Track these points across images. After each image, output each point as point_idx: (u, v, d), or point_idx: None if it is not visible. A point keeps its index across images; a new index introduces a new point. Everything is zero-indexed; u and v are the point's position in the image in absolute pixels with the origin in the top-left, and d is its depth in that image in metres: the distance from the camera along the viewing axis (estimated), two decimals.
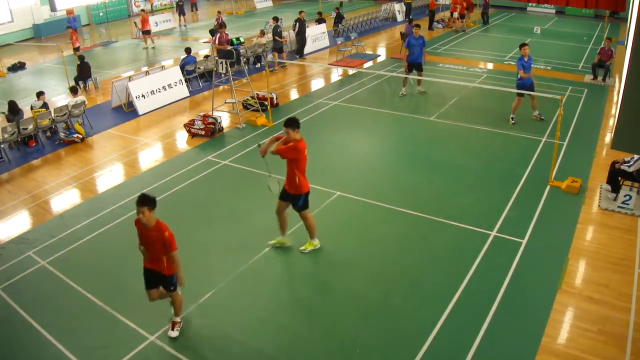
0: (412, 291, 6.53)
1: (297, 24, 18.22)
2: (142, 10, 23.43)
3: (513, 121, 11.78)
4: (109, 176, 10.09)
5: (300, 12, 18.38)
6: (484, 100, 13.56)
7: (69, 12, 26.60)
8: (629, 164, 8.28)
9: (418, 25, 13.86)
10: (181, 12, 28.03)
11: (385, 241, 7.58)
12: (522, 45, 11.39)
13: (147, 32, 21.96)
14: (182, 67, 15.46)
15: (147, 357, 5.60)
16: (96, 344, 5.79)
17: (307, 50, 19.18)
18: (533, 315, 6.00)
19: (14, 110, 11.70)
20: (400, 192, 8.90)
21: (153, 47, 22.17)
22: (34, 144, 11.77)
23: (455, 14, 23.77)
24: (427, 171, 9.76)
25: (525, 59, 11.18)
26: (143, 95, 13.85)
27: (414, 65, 13.63)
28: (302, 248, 7.29)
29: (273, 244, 7.38)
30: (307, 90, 15.27)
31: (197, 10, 32.93)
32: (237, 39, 17.02)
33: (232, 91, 12.65)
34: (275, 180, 7.00)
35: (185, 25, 27.84)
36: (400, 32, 19.21)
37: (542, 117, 11.87)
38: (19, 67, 19.96)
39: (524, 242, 7.33)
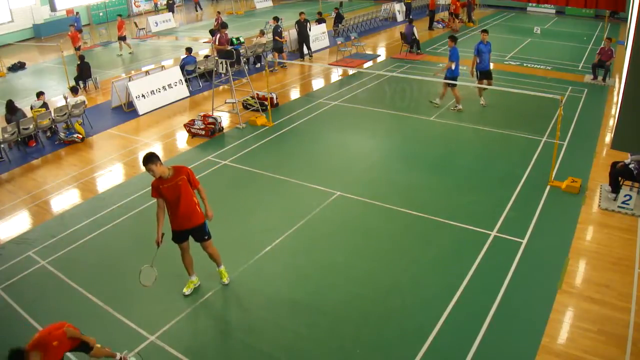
0: (412, 291, 6.53)
1: (297, 25, 18.26)
2: (119, 15, 22.68)
3: (433, 102, 12.78)
4: (109, 176, 10.09)
5: (300, 14, 18.35)
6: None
7: (69, 11, 26.68)
8: (627, 163, 8.28)
9: (486, 31, 12.69)
10: (171, 10, 28.09)
11: (385, 241, 7.58)
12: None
13: (122, 38, 21.16)
14: (182, 67, 15.46)
15: (147, 357, 5.60)
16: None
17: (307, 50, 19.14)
18: (533, 315, 6.00)
19: (11, 110, 11.69)
20: (400, 191, 8.90)
21: (130, 53, 21.37)
22: (34, 144, 11.78)
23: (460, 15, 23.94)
24: (427, 171, 9.76)
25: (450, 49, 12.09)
26: (143, 95, 13.85)
27: (484, 73, 12.49)
28: (224, 281, 6.63)
29: (190, 291, 6.53)
30: (307, 90, 15.27)
31: (201, 9, 33.01)
32: (237, 39, 17.05)
33: (232, 91, 12.65)
34: (153, 272, 6.05)
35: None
36: (401, 32, 19.19)
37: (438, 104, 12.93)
38: (19, 67, 19.97)
39: (524, 242, 7.33)
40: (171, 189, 5.90)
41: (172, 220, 6.12)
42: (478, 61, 12.40)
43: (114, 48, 23.08)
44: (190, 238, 6.32)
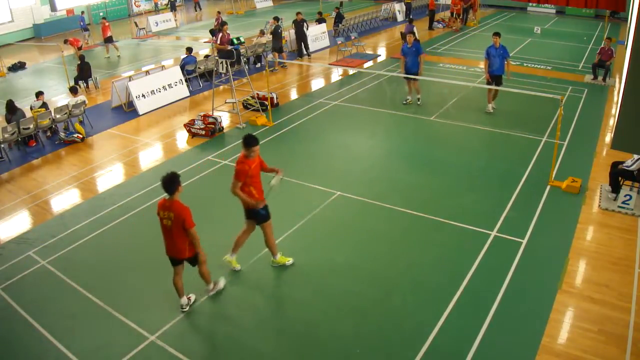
0: (413, 291, 6.53)
1: (294, 25, 18.33)
2: (104, 18, 22.32)
3: (405, 102, 13.19)
4: (109, 176, 10.09)
5: (297, 14, 18.41)
6: (484, 100, 13.54)
7: (69, 11, 26.73)
8: (627, 165, 8.30)
9: (498, 34, 11.87)
10: (172, 9, 28.08)
11: (385, 241, 7.58)
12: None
13: (108, 40, 20.87)
14: (182, 67, 15.46)
15: (147, 357, 5.60)
16: (96, 344, 5.79)
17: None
18: (533, 315, 6.00)
19: (11, 110, 11.68)
20: (400, 191, 8.90)
21: (118, 56, 21.07)
22: (34, 144, 11.78)
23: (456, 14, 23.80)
24: (427, 171, 9.76)
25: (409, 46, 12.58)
26: (143, 95, 13.85)
27: (493, 77, 12.02)
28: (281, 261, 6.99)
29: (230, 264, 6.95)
30: (307, 90, 15.27)
31: (200, 9, 33.05)
32: (237, 38, 17.05)
33: (232, 91, 12.65)
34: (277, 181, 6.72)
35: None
36: (401, 32, 19.19)
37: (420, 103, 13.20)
38: (19, 67, 19.98)
39: (524, 242, 7.32)
40: (256, 168, 6.37)
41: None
42: (489, 64, 11.95)
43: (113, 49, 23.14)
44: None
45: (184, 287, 6.20)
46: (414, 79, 12.56)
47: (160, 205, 5.76)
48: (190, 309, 6.24)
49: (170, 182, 5.60)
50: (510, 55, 18.28)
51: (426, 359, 5.42)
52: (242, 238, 6.80)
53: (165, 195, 5.69)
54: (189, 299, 6.28)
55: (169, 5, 29.35)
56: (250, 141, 6.24)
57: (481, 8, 27.97)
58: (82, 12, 26.38)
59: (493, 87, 11.86)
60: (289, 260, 6.98)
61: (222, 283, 6.52)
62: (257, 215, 6.59)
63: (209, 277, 6.33)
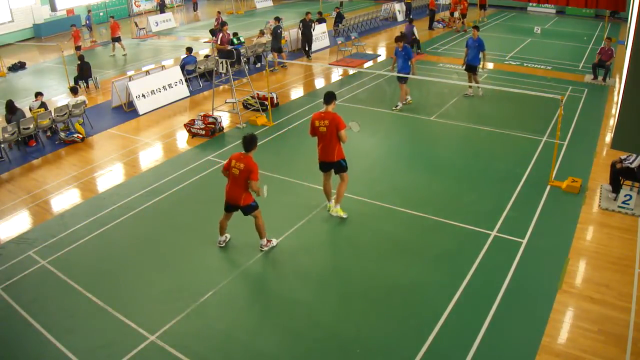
0: (413, 291, 6.53)
1: (301, 24, 18.44)
2: (112, 16, 22.41)
3: (398, 107, 12.91)
4: (109, 176, 10.09)
5: (306, 14, 18.51)
6: (484, 100, 13.56)
7: (70, 11, 26.77)
8: (630, 162, 8.28)
9: (477, 27, 13.72)
10: (161, 11, 28.15)
11: (385, 240, 7.58)
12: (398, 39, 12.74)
13: (116, 39, 21.00)
14: (182, 67, 15.46)
15: (147, 357, 5.60)
16: (96, 344, 5.79)
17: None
18: (533, 315, 6.00)
19: (11, 110, 11.68)
20: (400, 191, 8.90)
21: (124, 54, 21.17)
22: (34, 144, 11.78)
23: (456, 14, 23.75)
24: (427, 171, 9.76)
25: (400, 49, 12.54)
26: (143, 95, 13.85)
27: (467, 66, 13.52)
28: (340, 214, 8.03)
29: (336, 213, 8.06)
30: (307, 90, 15.27)
31: (197, 10, 33.07)
32: (237, 36, 17.06)
33: (233, 91, 12.65)
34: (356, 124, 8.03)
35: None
36: (401, 32, 19.14)
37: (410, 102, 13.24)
38: (19, 66, 19.98)
39: (524, 242, 7.32)
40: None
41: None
42: (467, 53, 13.44)
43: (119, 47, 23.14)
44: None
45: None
46: (403, 82, 12.65)
47: (234, 157, 6.88)
48: (224, 245, 7.41)
49: (250, 141, 6.84)
50: (510, 55, 18.34)
51: (426, 359, 5.42)
52: (327, 187, 8.08)
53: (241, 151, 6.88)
54: (225, 236, 7.42)
55: (157, 7, 29.54)
56: (333, 95, 7.85)
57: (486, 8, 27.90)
58: (89, 11, 26.50)
59: (471, 76, 13.41)
60: (345, 214, 7.97)
61: (274, 242, 7.42)
62: (339, 167, 7.71)
63: (263, 232, 7.19)
